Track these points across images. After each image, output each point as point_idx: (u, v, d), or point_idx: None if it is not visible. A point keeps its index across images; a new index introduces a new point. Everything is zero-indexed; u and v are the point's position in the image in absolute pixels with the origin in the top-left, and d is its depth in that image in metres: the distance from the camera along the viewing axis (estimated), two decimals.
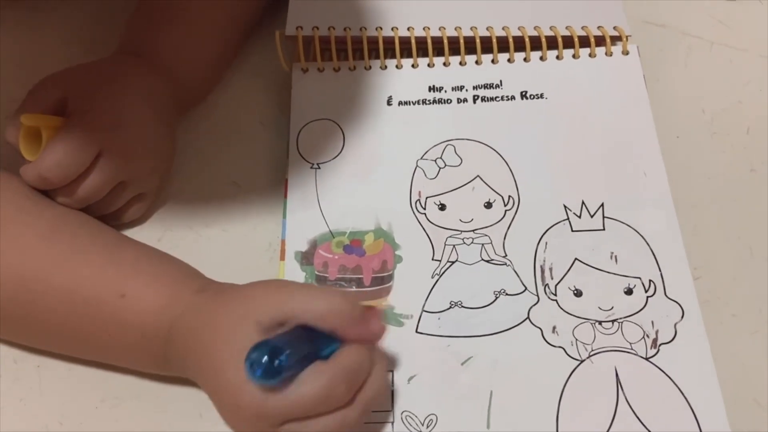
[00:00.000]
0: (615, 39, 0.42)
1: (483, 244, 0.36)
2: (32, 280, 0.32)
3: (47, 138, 0.33)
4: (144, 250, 0.34)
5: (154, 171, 0.37)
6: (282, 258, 0.36)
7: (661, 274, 0.35)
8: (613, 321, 0.34)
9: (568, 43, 0.41)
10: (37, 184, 0.34)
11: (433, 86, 0.41)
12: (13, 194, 0.33)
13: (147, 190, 0.37)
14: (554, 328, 0.34)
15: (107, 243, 0.34)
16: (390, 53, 0.42)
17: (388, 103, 0.41)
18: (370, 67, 0.42)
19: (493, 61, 0.42)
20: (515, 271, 0.36)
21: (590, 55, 0.41)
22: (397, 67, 0.42)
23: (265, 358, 0.26)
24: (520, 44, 0.41)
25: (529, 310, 0.34)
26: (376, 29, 0.41)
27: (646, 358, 0.33)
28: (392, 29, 0.41)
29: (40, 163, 0.33)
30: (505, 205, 0.37)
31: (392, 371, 0.33)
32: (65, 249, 0.32)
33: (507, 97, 0.41)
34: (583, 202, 0.37)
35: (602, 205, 0.37)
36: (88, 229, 0.34)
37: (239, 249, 0.38)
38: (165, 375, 0.33)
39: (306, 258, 0.36)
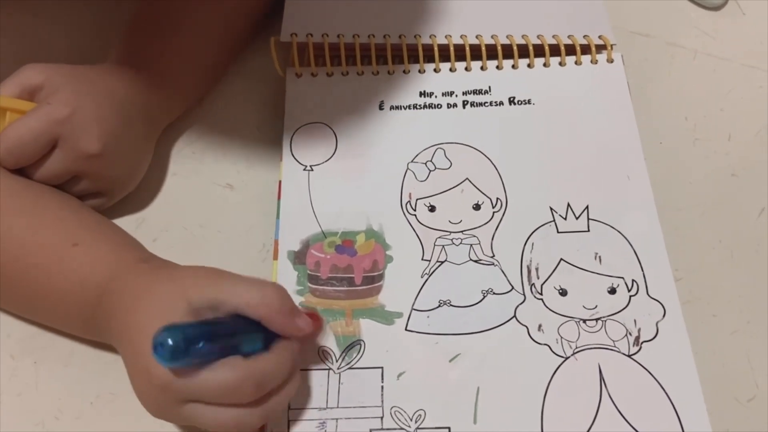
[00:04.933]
0: (600, 48, 0.43)
1: (471, 245, 0.37)
2: None
3: (9, 121, 0.34)
4: (103, 217, 0.36)
5: (111, 176, 0.37)
6: (275, 257, 0.37)
7: (644, 274, 0.36)
8: (596, 319, 0.35)
9: (555, 51, 0.43)
10: None
11: (424, 92, 0.42)
12: None
13: (103, 191, 0.37)
14: (540, 326, 0.35)
15: (70, 204, 0.35)
16: (382, 60, 0.43)
17: (380, 107, 0.42)
18: (363, 73, 0.43)
19: (482, 68, 0.43)
20: (502, 271, 0.36)
21: (576, 63, 0.43)
22: (389, 72, 0.43)
23: (170, 341, 0.26)
24: (508, 52, 0.43)
25: (516, 309, 0.35)
26: (369, 36, 0.42)
27: (629, 356, 0.34)
28: (384, 37, 0.43)
29: None
30: (493, 207, 0.38)
31: (381, 368, 0.34)
32: (28, 203, 0.34)
33: (495, 102, 0.42)
34: (568, 205, 0.38)
35: (587, 207, 0.38)
36: (56, 193, 0.35)
37: (234, 249, 0.38)
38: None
39: (298, 258, 0.37)
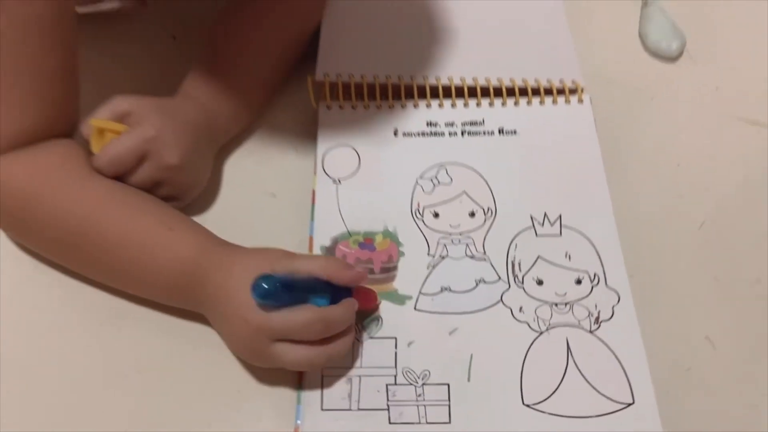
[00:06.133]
0: (572, 91, 0.51)
1: (467, 244, 0.45)
2: (96, 216, 0.40)
3: (108, 139, 0.42)
4: (183, 213, 0.43)
5: (185, 183, 0.45)
6: (310, 251, 0.45)
7: (603, 269, 0.43)
8: (565, 303, 0.42)
9: (536, 91, 0.51)
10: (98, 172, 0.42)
11: (430, 122, 0.50)
12: (86, 160, 0.42)
13: (178, 196, 0.45)
14: (521, 308, 0.42)
15: (158, 202, 0.43)
16: (397, 96, 0.51)
17: (395, 134, 0.50)
18: (381, 106, 0.51)
19: (477, 104, 0.51)
20: (492, 265, 0.44)
21: (553, 102, 0.51)
22: (402, 106, 0.51)
23: (265, 284, 0.35)
24: (498, 91, 0.51)
25: (502, 295, 0.43)
26: (386, 77, 0.51)
27: (590, 332, 0.41)
28: (398, 78, 0.51)
29: (98, 157, 0.42)
30: (485, 215, 0.46)
31: (395, 338, 0.42)
32: (129, 199, 0.42)
33: (488, 132, 0.50)
34: (545, 214, 0.46)
35: (560, 216, 0.45)
36: (147, 194, 0.43)
37: (276, 245, 0.43)
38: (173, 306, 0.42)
39: (329, 251, 0.45)
